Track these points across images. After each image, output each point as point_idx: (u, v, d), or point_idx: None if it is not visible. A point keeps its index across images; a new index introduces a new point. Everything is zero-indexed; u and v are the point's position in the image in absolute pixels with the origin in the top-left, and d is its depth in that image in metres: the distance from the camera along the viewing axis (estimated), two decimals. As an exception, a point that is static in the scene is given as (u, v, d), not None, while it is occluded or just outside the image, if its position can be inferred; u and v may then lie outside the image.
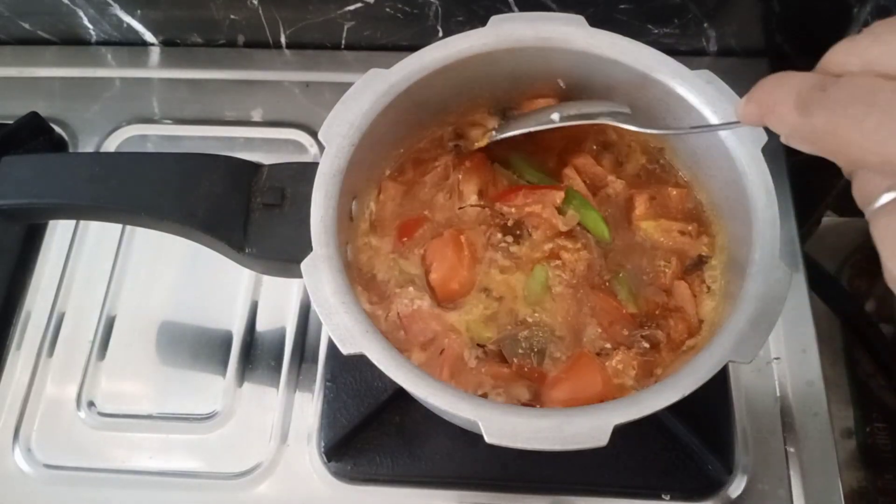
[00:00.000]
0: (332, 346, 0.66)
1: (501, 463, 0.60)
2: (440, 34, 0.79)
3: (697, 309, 0.55)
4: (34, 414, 0.65)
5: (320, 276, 0.48)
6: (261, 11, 0.78)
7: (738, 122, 0.36)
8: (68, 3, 0.78)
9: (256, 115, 0.80)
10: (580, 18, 0.55)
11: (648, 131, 0.53)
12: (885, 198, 0.30)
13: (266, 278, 0.69)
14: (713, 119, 0.52)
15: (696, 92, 0.52)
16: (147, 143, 0.78)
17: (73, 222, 0.73)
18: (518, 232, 0.57)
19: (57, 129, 0.79)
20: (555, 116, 0.54)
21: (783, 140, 0.33)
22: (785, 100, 0.32)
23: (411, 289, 0.55)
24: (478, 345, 0.53)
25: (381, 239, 0.57)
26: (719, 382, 0.62)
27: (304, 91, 0.81)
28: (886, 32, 0.31)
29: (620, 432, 0.43)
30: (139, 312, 0.70)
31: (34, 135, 0.77)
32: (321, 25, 0.79)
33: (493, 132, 0.59)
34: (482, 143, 0.59)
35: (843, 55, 0.32)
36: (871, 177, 0.31)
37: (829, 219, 0.87)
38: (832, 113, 0.30)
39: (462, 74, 0.56)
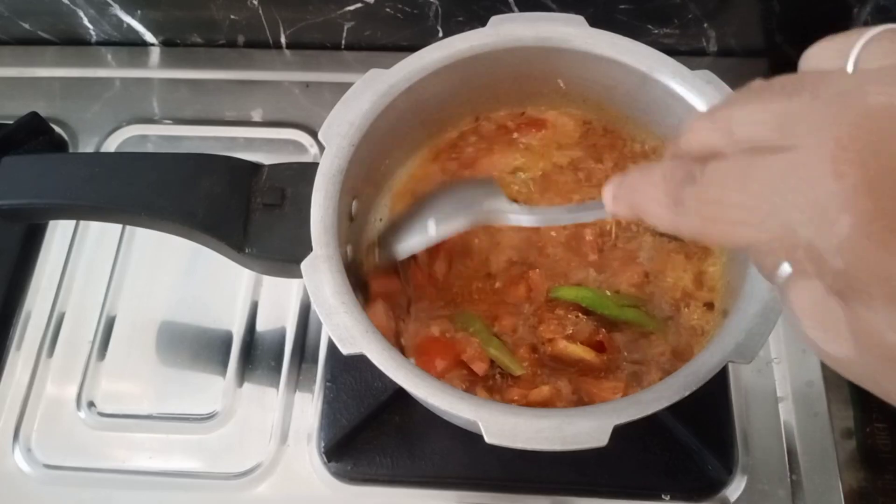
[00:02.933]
0: (332, 347, 0.66)
1: (501, 463, 0.60)
2: (440, 34, 0.79)
3: None
4: (34, 414, 0.65)
5: (320, 276, 0.48)
6: (261, 11, 0.78)
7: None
8: (68, 3, 0.78)
9: (256, 116, 0.80)
10: (580, 18, 0.55)
11: (539, 223, 0.50)
12: (785, 269, 0.28)
13: (266, 278, 0.69)
14: None
15: (696, 92, 0.52)
16: (147, 143, 0.78)
17: (73, 222, 0.73)
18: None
19: (57, 129, 0.79)
20: (430, 224, 0.51)
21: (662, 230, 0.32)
22: (656, 199, 0.30)
23: None
24: None
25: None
26: (719, 382, 0.62)
27: (304, 91, 0.81)
28: (741, 99, 0.29)
29: (620, 432, 0.43)
30: (139, 312, 0.70)
31: (34, 135, 0.77)
32: (321, 25, 0.79)
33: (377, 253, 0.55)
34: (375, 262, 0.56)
35: (702, 135, 0.29)
36: (765, 254, 0.30)
37: (829, 219, 0.87)
38: (707, 209, 0.28)
39: (462, 75, 0.56)
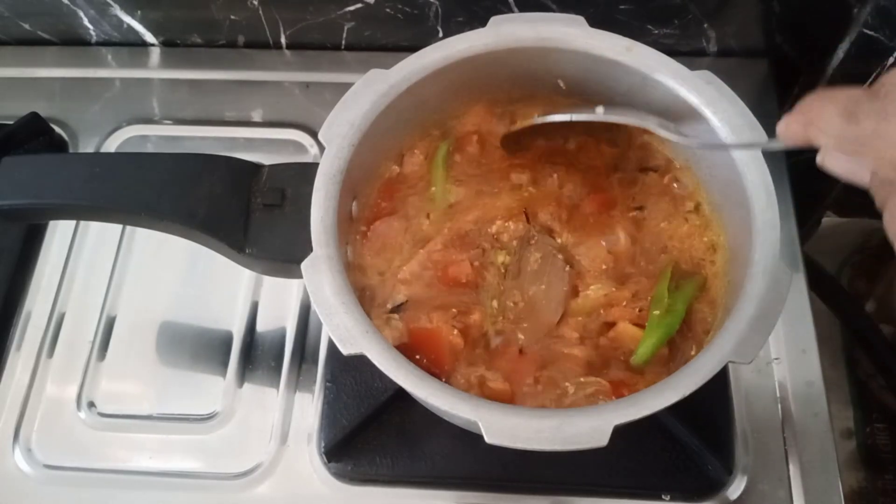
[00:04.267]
0: (332, 347, 0.66)
1: (501, 463, 0.60)
2: (440, 35, 0.79)
3: None
4: (34, 414, 0.65)
5: (320, 276, 0.48)
6: (261, 12, 0.78)
7: (776, 142, 0.37)
8: (68, 3, 0.78)
9: (257, 116, 0.80)
10: (580, 19, 0.55)
11: (685, 142, 0.52)
12: None
13: (266, 278, 0.69)
14: (715, 121, 0.52)
15: (696, 92, 0.53)
16: (147, 143, 0.78)
17: (73, 222, 0.73)
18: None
19: (57, 129, 0.79)
20: (599, 109, 0.54)
21: (821, 157, 0.33)
22: (830, 111, 0.32)
23: None
24: None
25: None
26: (719, 383, 0.62)
27: (304, 91, 0.81)
28: None
29: (620, 433, 0.43)
30: (139, 312, 0.70)
31: (34, 135, 0.77)
32: (321, 26, 0.79)
33: (535, 117, 0.57)
34: (521, 125, 0.58)
35: None
36: None
37: (829, 219, 0.87)
38: (882, 115, 0.30)
39: (462, 75, 0.56)
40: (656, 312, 0.53)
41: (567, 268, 0.55)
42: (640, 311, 0.54)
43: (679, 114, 0.54)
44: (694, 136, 0.53)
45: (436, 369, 0.52)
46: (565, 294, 0.54)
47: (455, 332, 0.53)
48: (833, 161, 0.33)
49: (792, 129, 0.35)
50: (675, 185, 0.59)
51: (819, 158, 0.33)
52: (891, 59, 0.68)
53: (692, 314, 0.53)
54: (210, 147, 0.77)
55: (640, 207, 0.58)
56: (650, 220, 0.58)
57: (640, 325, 0.53)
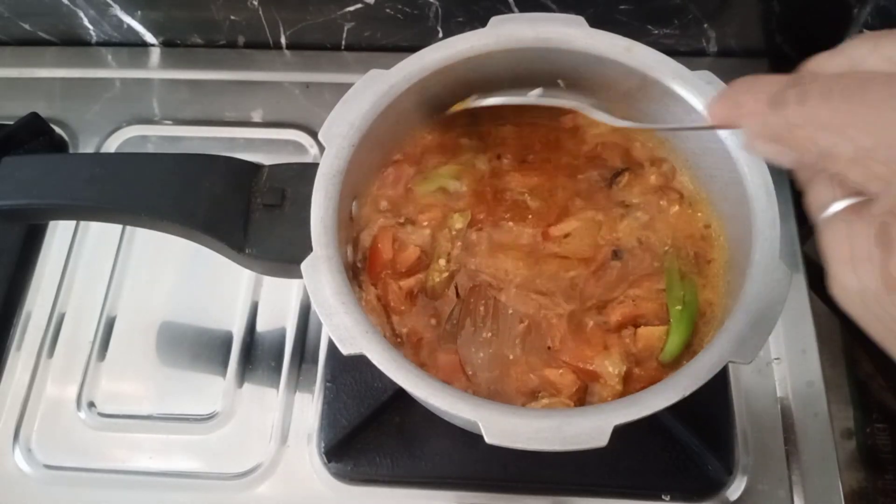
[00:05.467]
0: (332, 347, 0.66)
1: (501, 463, 0.60)
2: (440, 35, 0.79)
3: None
4: (34, 414, 0.65)
5: (320, 276, 0.48)
6: (261, 12, 0.78)
7: (710, 125, 0.36)
8: (68, 3, 0.78)
9: (256, 116, 0.80)
10: (580, 19, 0.55)
11: (618, 123, 0.52)
12: (836, 206, 0.30)
13: (266, 279, 0.69)
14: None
15: (696, 92, 0.52)
16: (147, 143, 0.79)
17: (73, 222, 0.73)
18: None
19: (57, 129, 0.79)
20: (536, 91, 0.55)
21: (746, 143, 0.33)
22: (757, 97, 0.31)
23: None
24: None
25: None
26: (719, 383, 0.62)
27: (304, 92, 0.81)
28: (874, 36, 0.30)
29: (620, 433, 0.43)
30: (139, 313, 0.70)
31: (34, 135, 0.77)
32: (321, 26, 0.79)
33: (472, 98, 0.57)
34: (459, 107, 0.57)
35: (825, 59, 0.31)
36: (826, 186, 0.31)
37: (829, 219, 0.87)
38: (806, 104, 0.29)
39: (462, 75, 0.56)
40: (677, 308, 0.53)
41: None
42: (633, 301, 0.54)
43: (679, 114, 0.54)
44: (651, 119, 0.55)
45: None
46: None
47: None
48: (758, 146, 0.32)
49: (719, 111, 0.34)
50: (672, 181, 0.59)
51: (743, 142, 0.33)
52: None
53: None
54: (210, 147, 0.77)
55: (627, 205, 0.58)
56: (644, 219, 0.58)
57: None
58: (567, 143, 0.61)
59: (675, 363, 0.52)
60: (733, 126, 0.33)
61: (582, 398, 0.52)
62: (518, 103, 0.55)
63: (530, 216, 0.58)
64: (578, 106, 0.53)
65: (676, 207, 0.57)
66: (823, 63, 0.32)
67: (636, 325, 0.53)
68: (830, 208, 0.31)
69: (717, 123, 0.34)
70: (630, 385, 0.52)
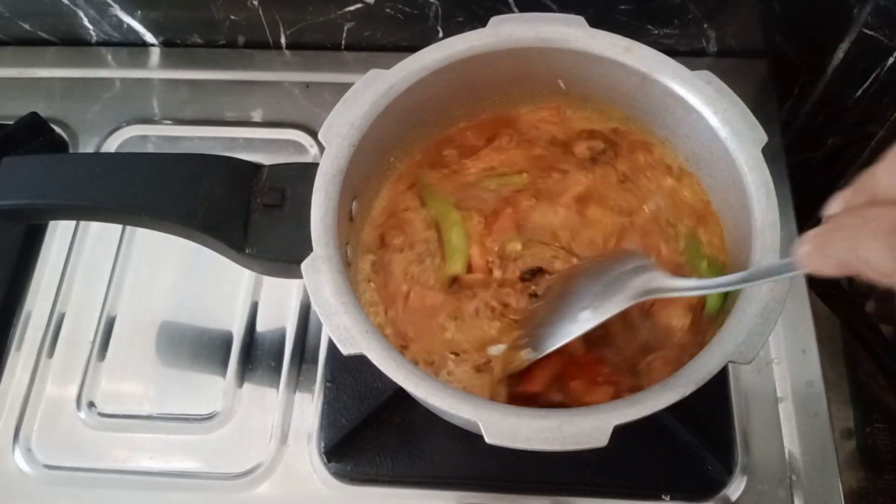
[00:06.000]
0: (332, 347, 0.66)
1: (501, 463, 0.60)
2: (440, 35, 0.79)
3: None
4: (34, 414, 0.65)
5: (320, 276, 0.48)
6: (261, 12, 0.78)
7: (800, 270, 0.34)
8: (68, 3, 0.78)
9: (256, 116, 0.80)
10: (580, 19, 0.55)
11: (692, 293, 0.48)
12: None
13: (266, 279, 0.69)
14: (714, 122, 0.52)
15: (696, 92, 0.52)
16: (147, 143, 0.78)
17: (73, 222, 0.73)
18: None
19: (57, 129, 0.79)
20: (585, 315, 0.47)
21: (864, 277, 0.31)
22: (872, 245, 0.29)
23: None
24: None
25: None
26: (719, 383, 0.62)
27: (304, 92, 0.81)
28: None
29: (620, 433, 0.43)
30: (139, 312, 0.70)
31: (34, 135, 0.77)
32: (321, 26, 0.79)
33: (526, 352, 0.50)
34: (517, 367, 0.51)
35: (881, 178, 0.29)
36: None
37: (829, 219, 0.87)
38: None
39: (462, 75, 0.56)
40: (703, 264, 0.54)
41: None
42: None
43: (679, 114, 0.54)
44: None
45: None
46: None
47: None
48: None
49: (823, 264, 0.31)
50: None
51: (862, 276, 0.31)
52: (891, 59, 0.68)
53: None
54: (210, 147, 0.77)
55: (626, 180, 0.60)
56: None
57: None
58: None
59: (720, 316, 0.51)
60: (843, 275, 0.31)
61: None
62: (576, 335, 0.47)
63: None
64: (641, 299, 0.46)
65: (670, 180, 0.59)
66: (882, 181, 0.30)
67: None
68: None
69: (823, 274, 0.32)
70: (695, 336, 0.53)
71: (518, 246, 0.57)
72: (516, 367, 0.51)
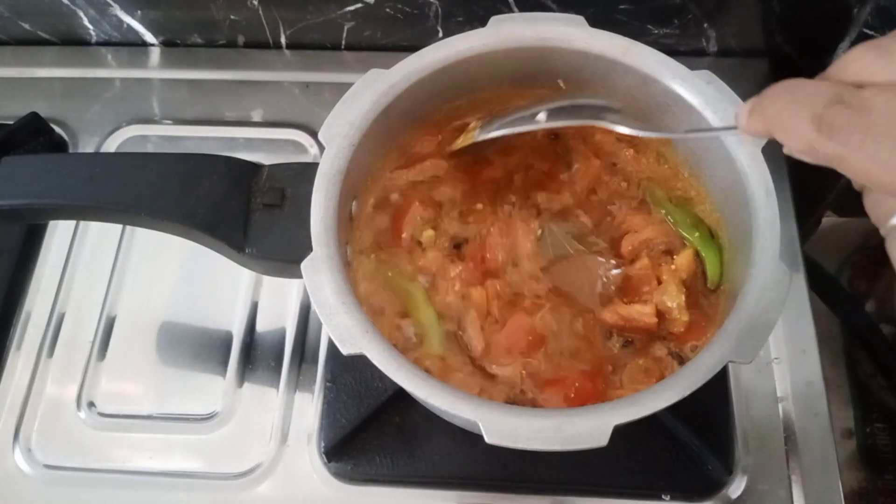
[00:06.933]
0: (332, 347, 0.66)
1: (501, 463, 0.60)
2: (440, 34, 0.79)
3: None
4: (34, 414, 0.65)
5: (320, 276, 0.48)
6: (261, 12, 0.78)
7: (735, 128, 0.35)
8: (68, 3, 0.78)
9: (256, 116, 0.80)
10: (580, 18, 0.55)
11: (640, 133, 0.50)
12: None
13: (266, 278, 0.69)
14: (714, 120, 0.52)
15: (696, 92, 0.52)
16: (147, 143, 0.78)
17: (73, 222, 0.73)
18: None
19: (57, 129, 0.79)
20: (541, 116, 0.52)
21: (786, 151, 0.31)
22: (799, 114, 0.29)
23: None
24: None
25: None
26: (719, 382, 0.62)
27: (304, 91, 0.81)
28: (880, 44, 0.29)
29: (620, 432, 0.43)
30: (139, 312, 0.70)
31: (34, 135, 0.77)
32: (321, 26, 0.79)
33: (477, 131, 0.55)
34: (464, 142, 0.57)
35: (863, 61, 0.29)
36: (884, 197, 0.30)
37: (829, 219, 0.87)
38: (854, 135, 0.27)
39: (462, 75, 0.56)
40: (696, 234, 0.55)
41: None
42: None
43: (678, 114, 0.54)
44: (667, 129, 0.54)
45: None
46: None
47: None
48: (799, 157, 0.30)
49: (754, 124, 0.32)
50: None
51: (785, 151, 0.31)
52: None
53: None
54: (210, 147, 0.77)
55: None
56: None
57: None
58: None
59: (723, 283, 0.54)
60: (771, 138, 0.32)
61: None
62: (524, 131, 0.53)
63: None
64: (592, 122, 0.52)
65: (631, 151, 0.60)
66: (862, 67, 0.30)
67: (671, 255, 0.56)
68: (892, 220, 0.29)
69: (751, 134, 0.33)
70: (695, 313, 0.54)
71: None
72: (466, 140, 0.56)
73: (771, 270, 0.47)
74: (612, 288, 0.55)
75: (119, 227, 0.73)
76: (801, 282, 0.67)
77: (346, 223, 0.54)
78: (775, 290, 0.47)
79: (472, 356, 0.54)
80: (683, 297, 0.54)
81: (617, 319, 0.54)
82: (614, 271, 0.56)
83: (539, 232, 0.57)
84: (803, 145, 0.30)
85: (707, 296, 0.55)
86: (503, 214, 0.59)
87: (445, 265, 0.56)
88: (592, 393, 0.52)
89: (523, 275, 0.56)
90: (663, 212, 0.58)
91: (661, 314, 0.54)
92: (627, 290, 0.55)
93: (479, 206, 0.59)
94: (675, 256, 0.56)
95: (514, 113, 0.54)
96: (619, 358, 0.54)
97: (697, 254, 0.56)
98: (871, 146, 0.27)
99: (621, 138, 0.60)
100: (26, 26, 0.82)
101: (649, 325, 0.53)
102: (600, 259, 0.57)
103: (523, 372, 0.53)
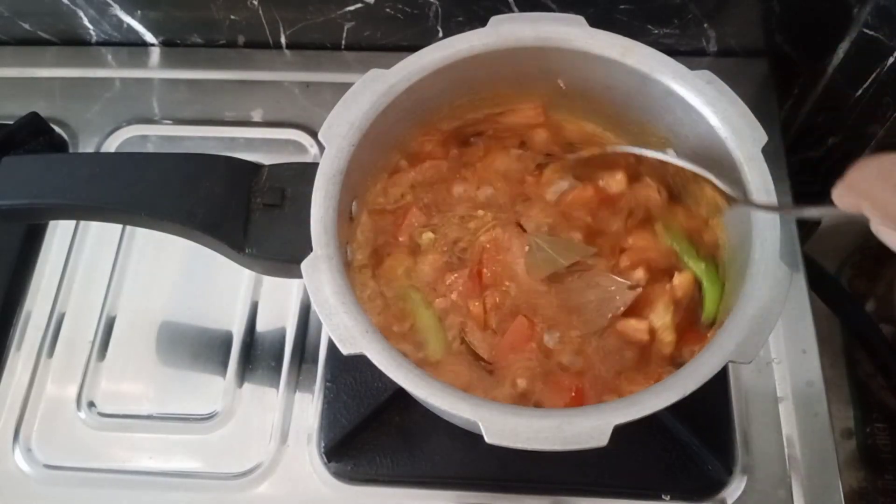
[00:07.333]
0: (332, 347, 0.66)
1: (501, 463, 0.60)
2: (440, 34, 0.79)
3: None
4: (34, 414, 0.65)
5: (320, 276, 0.48)
6: (261, 12, 0.78)
7: (834, 207, 0.36)
8: (68, 3, 0.78)
9: (256, 116, 0.80)
10: (580, 18, 0.55)
11: (747, 206, 0.50)
12: None
13: (266, 278, 0.69)
14: (713, 120, 0.52)
15: (696, 92, 0.53)
16: (147, 143, 0.78)
17: (73, 222, 0.73)
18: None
19: (57, 129, 0.79)
20: (671, 151, 0.55)
21: (873, 228, 0.32)
22: (875, 181, 0.31)
23: None
24: None
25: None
26: (719, 382, 0.62)
27: (304, 91, 0.81)
28: None
29: (620, 432, 0.43)
30: (139, 312, 0.70)
31: (34, 135, 0.77)
32: (321, 26, 0.79)
33: (608, 147, 0.58)
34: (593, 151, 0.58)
35: None
36: None
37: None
38: None
39: (462, 75, 0.56)
40: (702, 266, 0.54)
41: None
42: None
43: (679, 114, 0.54)
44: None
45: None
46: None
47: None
48: (884, 234, 0.32)
49: (845, 200, 0.33)
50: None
51: (872, 228, 0.32)
52: (891, 59, 0.68)
53: None
54: (210, 147, 0.77)
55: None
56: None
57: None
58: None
59: (718, 319, 0.53)
60: (859, 212, 0.33)
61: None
62: (655, 157, 0.55)
63: None
64: (709, 176, 0.52)
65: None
66: None
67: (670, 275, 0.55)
68: None
69: (843, 210, 0.34)
70: (684, 340, 0.53)
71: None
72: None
73: (771, 270, 0.47)
74: (621, 309, 0.55)
75: (119, 227, 0.73)
76: (801, 282, 0.67)
77: (346, 223, 0.54)
78: (775, 290, 0.47)
79: (474, 357, 0.54)
80: (670, 318, 0.53)
81: (613, 332, 0.54)
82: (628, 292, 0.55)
83: (527, 248, 0.57)
84: (880, 211, 0.31)
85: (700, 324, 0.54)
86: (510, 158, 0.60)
87: (444, 269, 0.56)
88: (592, 394, 0.52)
89: (522, 287, 0.56)
90: (670, 241, 0.57)
91: (652, 332, 0.54)
92: (630, 306, 0.55)
93: (480, 212, 0.59)
94: (675, 275, 0.55)
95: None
96: (619, 362, 0.54)
97: (697, 281, 0.55)
98: None
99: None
100: (26, 26, 0.82)
101: (642, 341, 0.53)
102: (614, 277, 0.56)
103: (524, 374, 0.53)
